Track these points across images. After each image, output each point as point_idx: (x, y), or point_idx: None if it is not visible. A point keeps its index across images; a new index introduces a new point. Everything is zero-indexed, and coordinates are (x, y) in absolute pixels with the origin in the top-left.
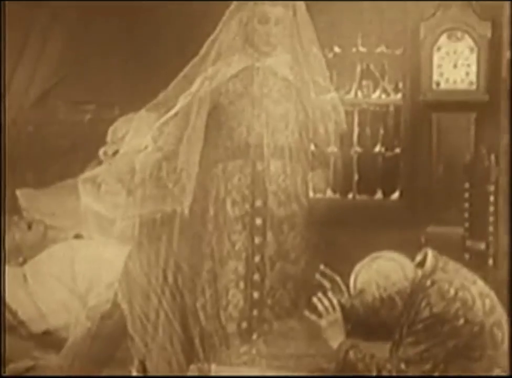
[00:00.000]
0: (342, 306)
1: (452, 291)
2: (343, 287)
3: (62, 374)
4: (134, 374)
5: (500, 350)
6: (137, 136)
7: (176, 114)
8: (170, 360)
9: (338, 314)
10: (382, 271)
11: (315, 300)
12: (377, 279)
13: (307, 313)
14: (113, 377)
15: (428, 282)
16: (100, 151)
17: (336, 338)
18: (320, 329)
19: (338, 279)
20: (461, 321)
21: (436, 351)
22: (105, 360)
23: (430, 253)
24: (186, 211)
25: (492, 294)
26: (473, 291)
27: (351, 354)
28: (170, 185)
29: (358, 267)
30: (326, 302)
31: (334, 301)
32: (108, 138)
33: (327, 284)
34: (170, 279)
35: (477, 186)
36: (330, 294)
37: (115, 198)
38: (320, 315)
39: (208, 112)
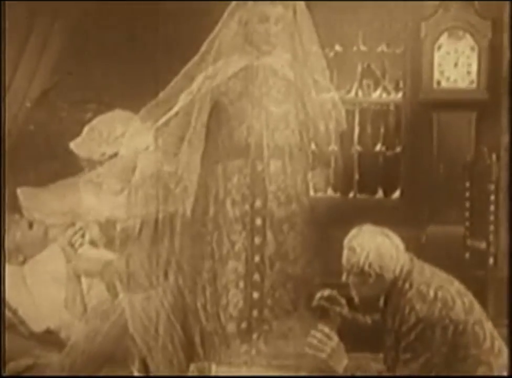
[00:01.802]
0: (345, 318)
1: (431, 293)
2: (343, 301)
3: (63, 373)
4: (135, 373)
5: (483, 348)
6: (136, 137)
7: (176, 114)
8: (171, 359)
9: (335, 340)
10: (381, 249)
11: (309, 339)
12: (372, 252)
13: (307, 349)
14: (114, 377)
15: (407, 285)
16: (98, 152)
17: (340, 364)
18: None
19: (334, 293)
20: (447, 321)
21: (436, 360)
22: (106, 359)
23: (407, 256)
24: (188, 211)
25: (469, 293)
26: (452, 290)
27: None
28: (172, 186)
29: (365, 227)
30: (319, 335)
31: (326, 330)
32: (92, 136)
33: (327, 305)
34: (172, 278)
35: (477, 185)
36: (321, 326)
37: (117, 198)
38: (318, 350)
39: (209, 111)
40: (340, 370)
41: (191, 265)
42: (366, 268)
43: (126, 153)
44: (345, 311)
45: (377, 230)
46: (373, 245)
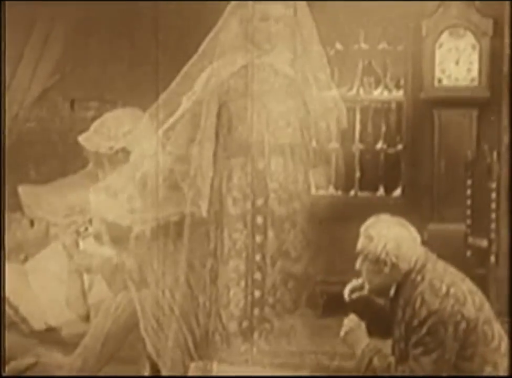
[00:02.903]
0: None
1: (444, 288)
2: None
3: (72, 373)
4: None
5: (490, 347)
6: (144, 140)
7: (182, 116)
8: (177, 358)
9: (355, 320)
10: (399, 239)
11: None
12: (390, 241)
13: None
14: (118, 377)
15: (419, 278)
16: (106, 146)
17: (358, 345)
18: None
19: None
20: (459, 317)
21: (448, 356)
22: (111, 356)
23: (422, 249)
24: (204, 213)
25: (480, 292)
26: (463, 287)
27: (375, 361)
28: (185, 188)
29: (383, 217)
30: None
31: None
32: (101, 130)
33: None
34: (182, 279)
35: (479, 182)
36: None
37: (132, 204)
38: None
39: (216, 112)
40: (357, 352)
41: (201, 265)
42: (383, 256)
43: (135, 158)
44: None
45: (395, 220)
46: (392, 235)
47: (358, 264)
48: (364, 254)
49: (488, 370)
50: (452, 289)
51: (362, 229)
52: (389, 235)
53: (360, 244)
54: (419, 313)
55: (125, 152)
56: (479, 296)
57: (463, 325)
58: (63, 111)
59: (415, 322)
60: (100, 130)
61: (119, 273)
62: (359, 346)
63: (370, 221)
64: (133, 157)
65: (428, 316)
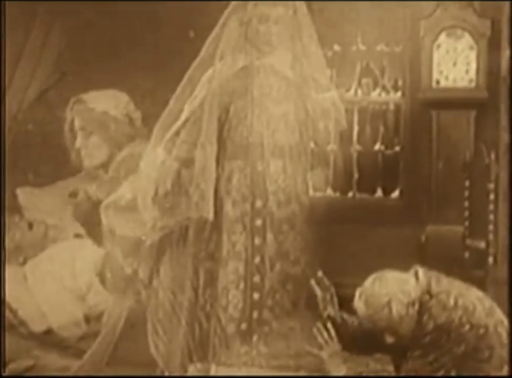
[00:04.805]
0: (333, 320)
1: (452, 301)
2: (335, 299)
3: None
4: None
5: (506, 348)
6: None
7: (185, 122)
8: (175, 360)
9: (337, 345)
10: (399, 279)
11: (314, 330)
12: (399, 287)
13: (307, 347)
14: (117, 377)
15: (427, 296)
16: (121, 111)
17: (339, 370)
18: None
19: (332, 289)
20: (467, 327)
21: (445, 359)
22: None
23: (420, 271)
24: (211, 217)
25: (488, 298)
26: (471, 296)
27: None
28: (191, 192)
29: (372, 282)
30: (325, 334)
31: (333, 332)
32: (119, 96)
33: (319, 293)
34: (188, 284)
35: (477, 184)
36: (329, 324)
37: (143, 214)
38: (320, 348)
39: (218, 114)
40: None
41: (202, 267)
42: (410, 303)
43: (142, 168)
44: (334, 311)
45: (371, 280)
46: (393, 282)
47: (388, 340)
48: (395, 320)
49: (506, 369)
50: (460, 300)
51: (366, 310)
52: (393, 284)
53: (381, 316)
54: (426, 327)
55: (133, 124)
56: (488, 302)
57: (473, 333)
58: (61, 112)
59: (420, 333)
60: (117, 95)
61: (131, 281)
62: (339, 372)
63: (366, 291)
64: (140, 166)
65: (434, 329)
